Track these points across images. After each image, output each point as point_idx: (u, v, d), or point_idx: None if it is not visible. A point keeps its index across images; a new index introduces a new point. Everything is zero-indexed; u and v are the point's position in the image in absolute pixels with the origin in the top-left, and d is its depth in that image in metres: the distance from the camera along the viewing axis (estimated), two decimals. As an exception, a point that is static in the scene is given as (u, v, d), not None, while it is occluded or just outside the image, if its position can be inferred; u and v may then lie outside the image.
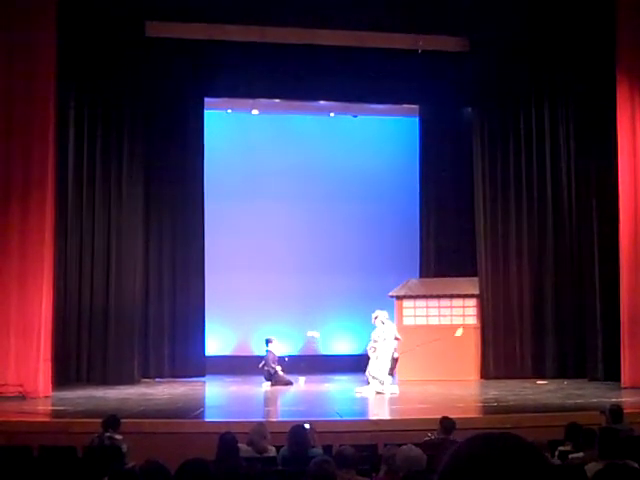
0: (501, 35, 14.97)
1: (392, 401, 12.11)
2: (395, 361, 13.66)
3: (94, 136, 14.70)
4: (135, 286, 14.79)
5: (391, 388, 12.69)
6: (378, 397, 12.36)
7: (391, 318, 13.60)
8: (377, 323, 12.90)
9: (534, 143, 15.70)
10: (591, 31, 14.14)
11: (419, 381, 14.11)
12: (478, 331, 15.38)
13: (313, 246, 17.48)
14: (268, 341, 14.94)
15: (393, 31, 14.84)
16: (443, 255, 16.60)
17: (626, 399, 11.31)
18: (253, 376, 14.90)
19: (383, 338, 12.80)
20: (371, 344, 12.96)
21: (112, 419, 7.53)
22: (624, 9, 13.12)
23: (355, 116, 17.94)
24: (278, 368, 14.61)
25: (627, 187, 13.10)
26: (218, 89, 16.29)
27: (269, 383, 14.40)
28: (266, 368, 14.56)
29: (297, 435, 6.57)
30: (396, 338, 13.16)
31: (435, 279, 16.04)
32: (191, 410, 10.80)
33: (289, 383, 14.51)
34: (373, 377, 12.65)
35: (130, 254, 14.74)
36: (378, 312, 12.97)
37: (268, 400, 13.25)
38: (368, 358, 12.96)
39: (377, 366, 12.67)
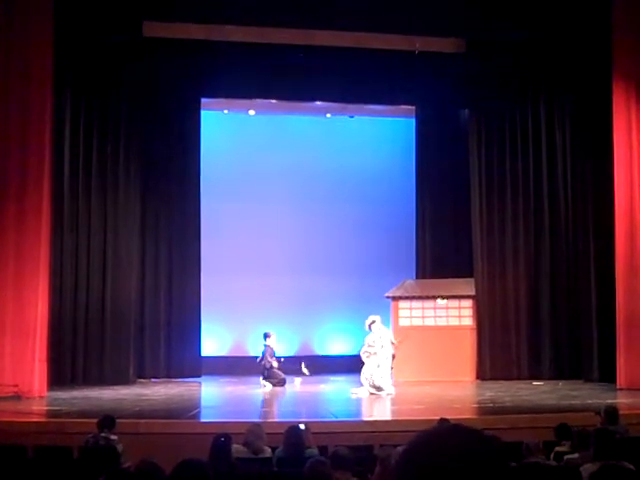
0: (498, 37, 14.98)
1: (388, 402, 12.11)
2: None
3: (91, 136, 14.70)
4: (131, 286, 14.79)
5: (387, 389, 12.66)
6: (373, 398, 12.35)
7: (387, 319, 13.56)
8: (373, 328, 12.77)
9: (530, 145, 15.72)
10: (587, 34, 14.16)
11: (415, 382, 14.11)
12: (474, 332, 15.40)
13: (309, 247, 17.47)
14: (266, 335, 14.59)
15: (390, 32, 14.84)
16: (439, 256, 16.59)
17: (621, 400, 11.31)
18: (249, 377, 14.87)
19: (381, 345, 12.65)
20: (365, 348, 12.76)
21: (107, 419, 7.54)
22: (620, 12, 13.13)
23: (351, 117, 17.93)
24: (275, 364, 14.31)
25: (623, 189, 13.11)
26: (215, 89, 16.27)
27: (267, 381, 14.31)
28: (262, 362, 14.35)
29: (293, 436, 6.57)
30: (392, 343, 13.09)
31: (431, 280, 16.05)
32: (187, 410, 10.79)
33: (282, 381, 14.32)
34: (377, 387, 12.51)
35: (126, 255, 14.74)
36: (374, 317, 12.84)
37: (264, 401, 13.23)
38: (362, 362, 12.87)
39: (379, 375, 12.55)
